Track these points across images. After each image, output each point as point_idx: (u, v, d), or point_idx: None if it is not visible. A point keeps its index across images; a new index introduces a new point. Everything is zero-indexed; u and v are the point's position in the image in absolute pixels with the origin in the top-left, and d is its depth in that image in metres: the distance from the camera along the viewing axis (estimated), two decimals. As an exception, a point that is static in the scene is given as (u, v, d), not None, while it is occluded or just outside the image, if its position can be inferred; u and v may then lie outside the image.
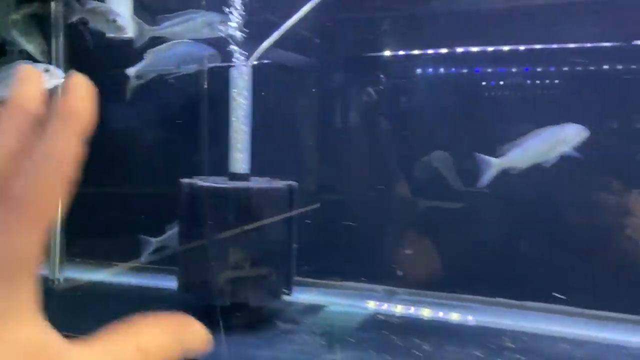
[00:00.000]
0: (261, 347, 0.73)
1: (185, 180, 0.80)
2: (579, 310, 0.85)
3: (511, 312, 0.86)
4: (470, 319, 0.84)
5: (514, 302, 0.87)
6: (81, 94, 0.27)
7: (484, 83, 1.13)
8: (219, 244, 0.76)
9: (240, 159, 0.80)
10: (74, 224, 1.02)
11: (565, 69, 1.06)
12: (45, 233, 0.25)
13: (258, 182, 0.80)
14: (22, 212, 0.25)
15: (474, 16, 1.11)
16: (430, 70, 1.22)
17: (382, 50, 1.25)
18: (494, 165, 0.87)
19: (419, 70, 1.20)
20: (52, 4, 1.07)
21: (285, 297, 0.83)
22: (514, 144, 0.88)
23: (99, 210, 1.12)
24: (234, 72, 0.82)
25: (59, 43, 1.08)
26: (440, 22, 1.13)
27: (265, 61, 1.01)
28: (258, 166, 0.89)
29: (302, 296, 0.91)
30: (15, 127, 0.27)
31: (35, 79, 0.28)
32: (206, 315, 0.81)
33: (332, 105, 1.25)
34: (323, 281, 0.98)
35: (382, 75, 1.32)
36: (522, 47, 1.09)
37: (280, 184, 0.79)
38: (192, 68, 1.00)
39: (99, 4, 1.05)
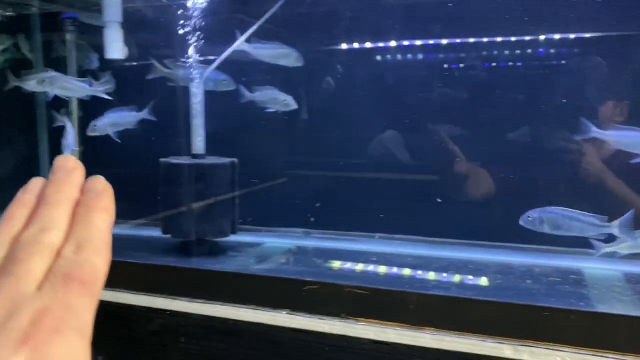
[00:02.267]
0: (214, 264, 1.14)
1: (163, 160, 1.21)
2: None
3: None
4: (356, 246, 1.28)
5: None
6: (101, 188, 0.36)
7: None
8: (186, 200, 1.18)
9: (199, 143, 1.22)
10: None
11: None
12: (94, 302, 0.30)
13: (211, 160, 1.21)
14: (74, 287, 0.30)
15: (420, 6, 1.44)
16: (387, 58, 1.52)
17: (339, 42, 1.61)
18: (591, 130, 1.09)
19: (375, 60, 1.51)
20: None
21: (233, 237, 1.25)
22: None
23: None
24: (192, 84, 1.22)
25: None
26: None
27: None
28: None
29: (246, 238, 1.33)
30: (66, 200, 0.34)
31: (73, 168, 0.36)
32: (181, 247, 1.24)
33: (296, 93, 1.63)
34: (262, 227, 1.41)
35: (339, 66, 1.70)
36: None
37: (226, 160, 1.21)
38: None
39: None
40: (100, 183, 0.36)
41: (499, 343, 0.85)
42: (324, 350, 0.95)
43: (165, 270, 1.09)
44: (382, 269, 1.10)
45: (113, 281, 1.09)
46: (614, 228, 1.02)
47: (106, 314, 1.10)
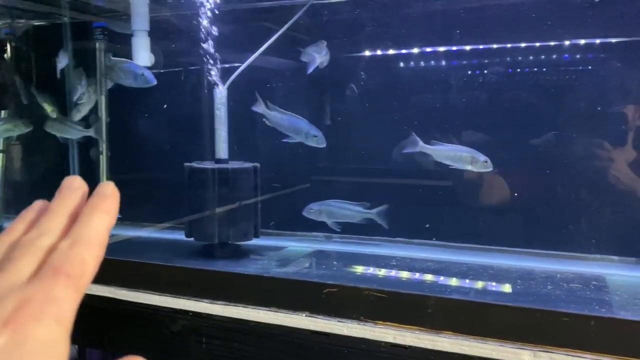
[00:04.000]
0: (236, 267, 1.16)
1: (187, 164, 1.24)
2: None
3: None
4: (376, 250, 1.28)
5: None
6: (108, 192, 0.37)
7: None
8: (209, 203, 1.20)
9: (222, 148, 1.24)
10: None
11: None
12: (79, 295, 0.32)
13: (234, 164, 1.23)
14: (60, 279, 0.31)
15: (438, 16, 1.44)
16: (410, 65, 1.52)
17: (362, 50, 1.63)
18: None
19: (398, 66, 1.50)
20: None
21: (256, 240, 1.27)
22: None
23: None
24: (216, 91, 1.25)
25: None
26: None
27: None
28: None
29: (269, 242, 1.35)
30: (66, 211, 0.36)
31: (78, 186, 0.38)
32: (204, 249, 1.26)
33: (321, 101, 1.66)
34: (285, 232, 1.42)
35: (362, 72, 1.72)
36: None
37: (248, 164, 1.23)
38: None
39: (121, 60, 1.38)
40: (109, 188, 0.37)
41: (518, 348, 0.85)
42: (343, 353, 0.96)
43: (188, 272, 1.12)
44: (402, 273, 1.11)
45: (136, 282, 1.12)
46: (374, 214, 1.31)
47: (130, 313, 1.14)
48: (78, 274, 0.32)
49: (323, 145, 1.32)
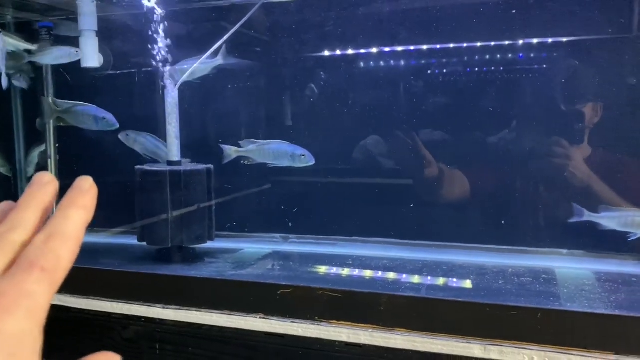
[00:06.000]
0: (190, 271, 1.14)
1: (138, 167, 1.21)
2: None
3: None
4: (333, 250, 1.28)
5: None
6: (86, 187, 0.36)
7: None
8: (161, 207, 1.18)
9: (174, 150, 1.22)
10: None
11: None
12: (52, 290, 0.31)
13: (187, 166, 1.21)
14: (34, 273, 0.31)
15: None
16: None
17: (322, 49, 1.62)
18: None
19: (357, 66, 1.49)
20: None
21: (211, 243, 1.25)
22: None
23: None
24: (167, 92, 1.23)
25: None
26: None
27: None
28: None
29: (225, 244, 1.33)
30: (36, 205, 0.35)
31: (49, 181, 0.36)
32: (157, 254, 1.24)
33: (280, 101, 1.64)
34: (243, 234, 1.41)
35: (322, 73, 1.71)
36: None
37: (201, 166, 1.21)
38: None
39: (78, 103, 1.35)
40: (87, 183, 0.36)
41: (469, 342, 0.85)
42: (298, 353, 0.96)
43: (140, 277, 1.09)
44: (357, 272, 1.11)
45: (87, 288, 1.09)
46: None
47: (82, 321, 1.11)
48: (53, 268, 0.32)
49: (312, 162, 1.24)
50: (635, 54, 1.21)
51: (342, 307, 0.94)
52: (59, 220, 0.34)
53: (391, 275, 1.07)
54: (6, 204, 0.37)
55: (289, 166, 1.27)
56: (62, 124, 1.40)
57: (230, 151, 1.28)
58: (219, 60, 1.28)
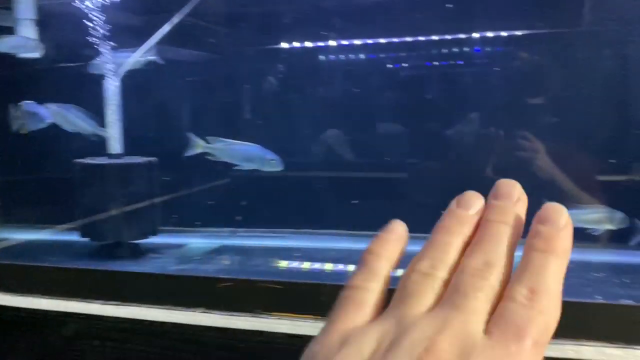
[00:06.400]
0: (133, 266, 1.12)
1: (77, 160, 1.17)
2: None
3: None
4: (281, 243, 1.27)
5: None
6: (561, 224, 0.29)
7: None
8: (102, 201, 1.14)
9: (115, 143, 1.19)
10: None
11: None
12: None
13: (128, 159, 1.18)
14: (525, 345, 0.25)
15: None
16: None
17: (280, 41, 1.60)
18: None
19: (316, 59, 1.50)
20: None
21: (155, 238, 1.22)
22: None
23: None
24: (108, 83, 1.19)
25: None
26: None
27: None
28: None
29: (171, 239, 1.31)
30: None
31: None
32: (100, 249, 1.20)
33: (238, 94, 1.62)
34: (190, 228, 1.38)
35: (280, 65, 1.69)
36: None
37: (142, 159, 1.18)
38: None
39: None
40: (563, 217, 0.29)
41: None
42: (240, 347, 0.94)
43: (78, 272, 1.06)
44: (304, 264, 1.10)
45: (22, 286, 1.05)
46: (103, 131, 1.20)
47: (19, 321, 1.07)
48: (542, 340, 0.26)
49: (281, 168, 1.20)
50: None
51: (284, 299, 0.93)
52: (538, 270, 0.28)
53: (335, 266, 1.06)
54: (473, 198, 0.33)
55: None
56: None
57: (198, 143, 1.22)
58: (152, 55, 1.25)
